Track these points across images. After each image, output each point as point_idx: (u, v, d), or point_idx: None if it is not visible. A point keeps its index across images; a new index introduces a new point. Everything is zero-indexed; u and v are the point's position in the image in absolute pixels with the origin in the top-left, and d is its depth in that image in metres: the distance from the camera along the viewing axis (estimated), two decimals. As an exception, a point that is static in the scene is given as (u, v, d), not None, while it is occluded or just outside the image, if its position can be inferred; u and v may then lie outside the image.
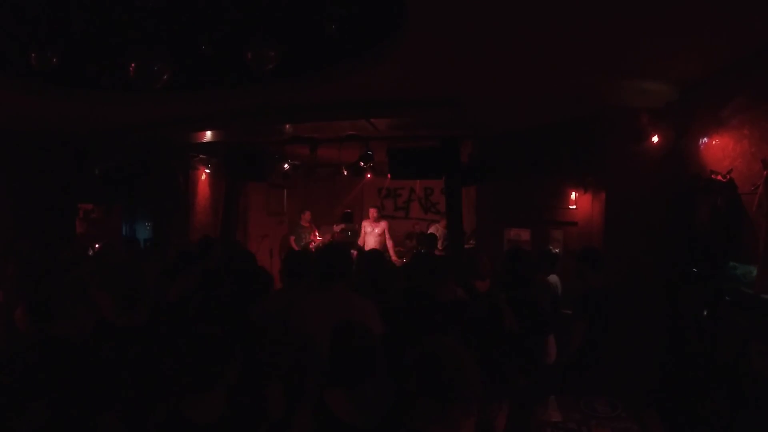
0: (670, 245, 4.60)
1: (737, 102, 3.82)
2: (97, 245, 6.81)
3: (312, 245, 8.86)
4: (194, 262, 4.34)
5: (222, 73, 4.37)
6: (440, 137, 6.92)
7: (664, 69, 4.09)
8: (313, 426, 2.10)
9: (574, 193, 6.47)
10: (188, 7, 3.64)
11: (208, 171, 8.89)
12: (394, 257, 8.57)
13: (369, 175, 9.17)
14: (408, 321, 3.30)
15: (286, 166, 8.82)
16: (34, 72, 3.56)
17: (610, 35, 3.41)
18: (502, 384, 3.06)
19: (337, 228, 9.53)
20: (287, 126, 6.54)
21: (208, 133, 7.07)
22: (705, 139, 4.25)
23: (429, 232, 9.35)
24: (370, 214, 9.08)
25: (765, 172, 3.40)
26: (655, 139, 4.80)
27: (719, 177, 3.92)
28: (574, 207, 6.48)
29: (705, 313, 3.97)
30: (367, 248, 8.63)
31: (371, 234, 8.87)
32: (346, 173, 9.11)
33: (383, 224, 8.95)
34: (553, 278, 5.04)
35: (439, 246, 8.58)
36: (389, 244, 8.76)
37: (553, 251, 5.62)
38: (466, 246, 7.70)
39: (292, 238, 9.26)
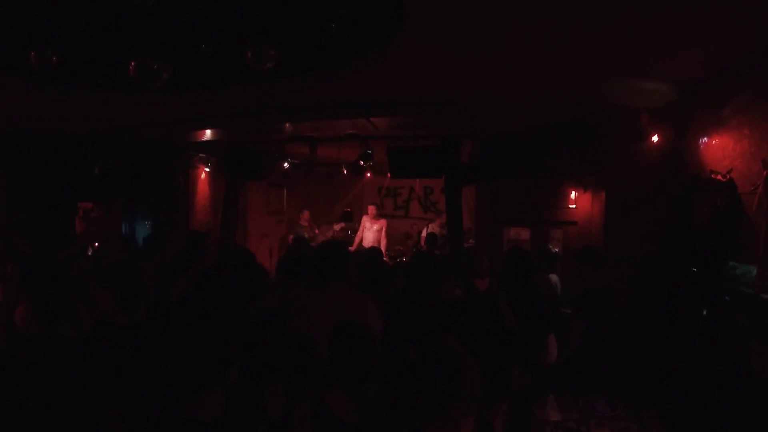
0: (670, 245, 4.60)
1: (737, 102, 3.82)
2: (96, 244, 6.82)
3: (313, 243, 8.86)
4: (194, 261, 4.33)
5: (222, 72, 4.36)
6: (440, 136, 6.92)
7: (664, 68, 4.09)
8: (313, 426, 2.10)
9: (573, 193, 6.48)
10: (188, 5, 3.64)
11: (207, 170, 8.89)
12: (385, 257, 8.60)
13: (369, 174, 9.18)
14: (408, 320, 3.30)
15: (285, 165, 8.81)
16: (33, 71, 3.56)
17: (610, 35, 3.40)
18: (502, 383, 3.06)
19: (336, 227, 9.54)
20: (287, 125, 6.54)
21: (208, 132, 7.07)
22: (705, 139, 4.25)
23: (428, 232, 9.34)
24: (370, 211, 9.13)
25: (765, 172, 3.40)
26: (655, 138, 4.80)
27: (719, 177, 3.92)
28: (574, 206, 6.49)
29: (704, 312, 3.98)
30: (364, 244, 8.68)
31: (370, 230, 8.91)
32: (345, 172, 9.12)
33: (382, 222, 9.00)
34: (553, 278, 5.04)
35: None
36: (383, 242, 8.79)
37: (553, 250, 5.62)
38: (465, 245, 7.70)
39: (291, 237, 9.26)
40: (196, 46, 3.81)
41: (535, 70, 4.22)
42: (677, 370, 4.11)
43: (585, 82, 4.48)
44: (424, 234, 8.81)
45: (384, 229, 8.98)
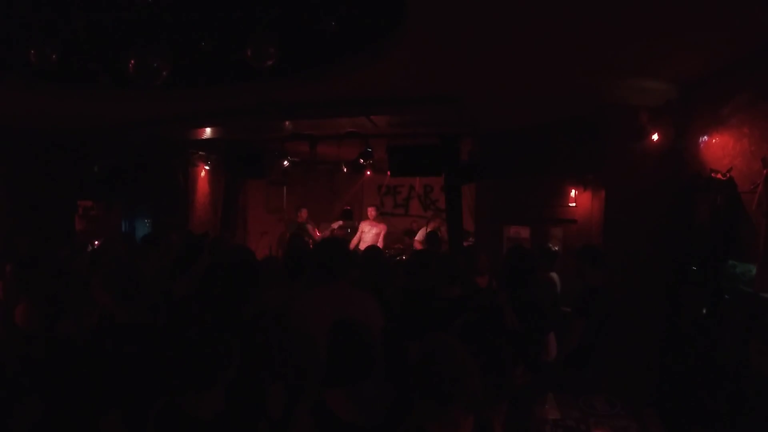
0: (670, 243, 4.60)
1: (737, 100, 3.82)
2: (96, 242, 6.82)
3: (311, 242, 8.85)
4: (195, 260, 4.32)
5: (221, 70, 4.36)
6: (440, 135, 6.92)
7: (664, 67, 4.08)
8: (313, 425, 2.10)
9: (573, 191, 6.48)
10: (188, 3, 3.63)
11: (207, 168, 8.88)
12: None
13: (368, 173, 9.16)
14: (408, 318, 3.30)
15: (285, 163, 8.81)
16: (33, 69, 3.55)
17: (610, 33, 3.40)
18: (502, 382, 3.06)
19: (335, 225, 9.53)
20: (287, 123, 6.54)
21: (208, 130, 7.06)
22: (705, 138, 4.25)
23: (429, 230, 9.32)
24: (369, 215, 9.05)
25: (765, 171, 3.40)
26: (655, 137, 4.80)
27: (719, 175, 3.92)
28: (574, 205, 6.49)
29: (704, 311, 3.98)
30: (361, 247, 8.63)
31: (369, 233, 8.85)
32: (345, 170, 9.11)
33: (381, 226, 8.91)
34: (553, 276, 5.04)
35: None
36: (380, 245, 8.76)
37: (553, 249, 5.63)
38: (465, 243, 7.70)
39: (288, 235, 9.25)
40: (196, 43, 3.81)
41: (536, 69, 4.21)
42: (677, 368, 4.12)
43: (585, 81, 4.48)
44: (418, 237, 8.75)
45: (383, 233, 8.89)
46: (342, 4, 3.54)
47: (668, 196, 4.70)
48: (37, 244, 5.46)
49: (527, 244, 6.48)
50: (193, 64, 4.06)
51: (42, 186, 6.73)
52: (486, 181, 7.35)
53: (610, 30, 3.35)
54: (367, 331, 2.26)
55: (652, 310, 4.53)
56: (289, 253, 3.91)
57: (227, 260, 3.81)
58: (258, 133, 7.47)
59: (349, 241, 8.78)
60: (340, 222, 9.63)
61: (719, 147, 4.07)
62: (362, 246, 8.66)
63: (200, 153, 8.40)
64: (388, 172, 8.00)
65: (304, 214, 9.24)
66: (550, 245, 6.02)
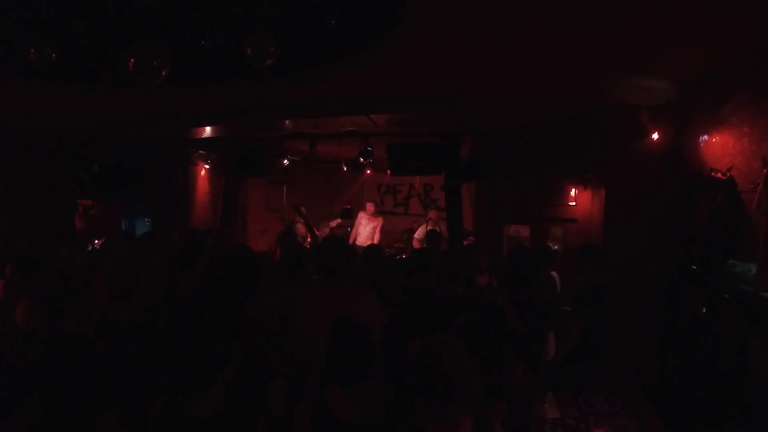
0: (670, 243, 4.60)
1: (737, 100, 3.82)
2: (96, 241, 6.82)
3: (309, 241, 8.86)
4: (197, 259, 4.32)
5: (221, 69, 4.35)
6: (440, 133, 6.92)
7: (665, 66, 4.08)
8: (313, 424, 2.10)
9: (573, 190, 6.48)
10: (187, 2, 3.63)
11: (207, 167, 8.88)
12: None
13: (368, 171, 9.16)
14: (409, 317, 3.30)
15: (285, 162, 8.80)
16: (33, 68, 3.55)
17: (611, 32, 3.40)
18: (502, 382, 3.07)
19: (333, 223, 9.52)
20: (287, 122, 6.54)
21: (208, 129, 7.06)
22: (705, 137, 4.24)
23: (429, 229, 9.32)
24: (368, 209, 9.12)
25: (765, 170, 3.40)
26: (655, 136, 4.80)
27: (719, 175, 3.92)
28: (574, 204, 6.49)
29: (704, 310, 3.98)
30: (359, 241, 8.68)
31: (365, 227, 8.91)
32: (345, 169, 9.10)
33: (379, 220, 9.02)
34: (553, 275, 5.04)
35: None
36: (376, 239, 8.80)
37: (552, 248, 5.63)
38: (465, 242, 7.70)
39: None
40: (196, 42, 3.80)
41: (536, 68, 4.21)
42: (676, 367, 4.12)
43: (585, 80, 4.48)
44: (417, 235, 8.76)
45: (379, 227, 8.98)
46: (342, 3, 3.54)
47: (668, 195, 4.70)
48: (37, 244, 5.46)
49: (527, 243, 6.49)
50: (193, 62, 4.05)
51: (42, 185, 6.73)
52: (486, 179, 7.35)
53: (611, 29, 3.34)
54: (366, 330, 2.26)
55: (652, 310, 4.52)
56: (288, 251, 3.91)
57: (228, 259, 3.81)
58: (258, 132, 7.47)
59: (346, 238, 8.81)
60: (339, 220, 9.63)
61: (719, 146, 4.07)
62: (359, 240, 8.71)
63: (200, 152, 8.40)
64: (388, 171, 8.00)
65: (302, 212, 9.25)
66: (550, 244, 6.02)
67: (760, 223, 3.43)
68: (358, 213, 9.48)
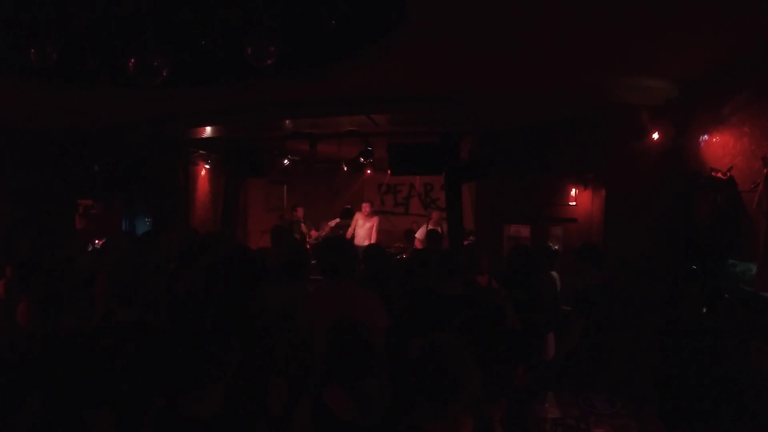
0: (670, 242, 4.60)
1: (738, 99, 3.81)
2: (97, 241, 6.82)
3: (309, 240, 8.87)
4: (197, 258, 4.33)
5: (222, 69, 4.35)
6: (440, 133, 6.92)
7: (665, 66, 4.08)
8: (312, 423, 2.10)
9: (574, 190, 6.49)
10: (188, 2, 3.63)
11: (207, 167, 8.88)
12: None
13: (369, 171, 9.17)
14: (409, 317, 3.30)
15: (285, 162, 8.81)
16: (33, 68, 3.55)
17: (611, 32, 3.40)
18: (502, 382, 3.07)
19: (332, 223, 9.53)
20: (287, 122, 6.54)
21: (208, 129, 7.06)
22: (705, 137, 4.24)
23: (429, 229, 9.32)
24: (364, 209, 9.17)
25: (765, 170, 3.40)
26: (656, 136, 4.80)
27: (719, 174, 3.92)
28: (574, 204, 6.50)
29: (704, 310, 3.98)
30: (356, 241, 8.70)
31: (362, 227, 8.95)
32: (345, 169, 9.11)
33: (374, 220, 9.06)
34: (553, 275, 5.05)
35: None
36: (373, 239, 8.83)
37: (553, 248, 5.63)
38: (465, 242, 7.70)
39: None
40: (197, 42, 3.80)
41: (536, 68, 4.21)
42: (677, 367, 4.12)
43: (585, 80, 4.48)
44: (418, 235, 8.77)
45: (375, 226, 9.03)
46: (342, 2, 3.53)
47: (668, 195, 4.70)
48: (37, 244, 5.47)
49: (527, 243, 6.49)
50: (193, 62, 4.05)
51: (42, 185, 6.73)
52: (486, 179, 7.35)
53: (611, 29, 3.34)
54: (365, 329, 2.26)
55: (652, 309, 4.52)
56: (289, 251, 3.91)
57: (231, 258, 3.82)
58: (258, 132, 7.48)
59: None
60: (337, 220, 9.63)
61: (719, 146, 4.07)
62: (356, 240, 8.73)
63: (200, 151, 8.40)
64: (389, 171, 8.00)
65: (300, 212, 9.26)
66: (551, 244, 6.02)
67: (760, 223, 3.43)
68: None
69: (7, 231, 6.19)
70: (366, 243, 8.37)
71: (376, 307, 3.02)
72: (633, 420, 2.92)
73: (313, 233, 9.16)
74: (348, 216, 10.20)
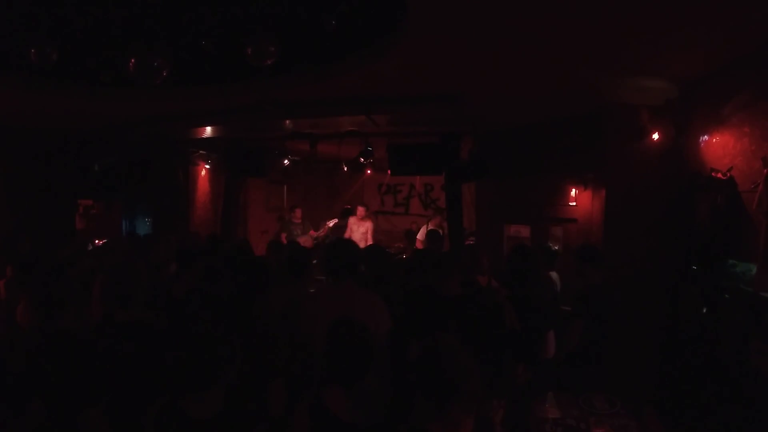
0: (670, 243, 4.60)
1: (738, 100, 3.81)
2: (97, 241, 6.83)
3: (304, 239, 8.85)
4: (199, 258, 4.33)
5: (222, 69, 4.36)
6: (440, 133, 6.92)
7: (665, 66, 4.08)
8: (311, 424, 2.10)
9: (574, 190, 6.47)
10: (188, 2, 3.63)
11: (207, 166, 8.88)
12: None
13: (369, 171, 9.16)
14: (410, 317, 3.30)
15: (286, 162, 8.80)
16: (34, 68, 3.55)
17: (611, 32, 3.40)
18: (502, 381, 3.07)
19: (330, 223, 9.53)
20: (287, 122, 6.54)
21: (208, 129, 7.06)
22: (705, 137, 4.24)
23: (429, 229, 9.32)
24: (358, 213, 9.12)
25: (765, 170, 3.40)
26: (656, 136, 4.80)
27: (719, 175, 3.92)
28: (574, 204, 6.48)
29: (704, 310, 3.98)
30: None
31: (357, 232, 8.92)
32: (346, 169, 9.11)
33: (368, 224, 9.02)
34: (553, 275, 5.04)
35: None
36: (369, 241, 8.82)
37: (553, 248, 5.63)
38: (465, 242, 7.70)
39: (284, 235, 9.23)
40: (197, 42, 3.81)
41: (536, 68, 4.21)
42: (677, 367, 4.12)
43: (585, 80, 4.48)
44: (419, 236, 8.77)
45: (370, 230, 8.98)
46: (342, 2, 3.54)
47: (668, 195, 4.70)
48: (37, 244, 5.47)
49: (527, 243, 6.48)
50: (193, 62, 4.06)
51: (42, 185, 6.73)
52: (486, 180, 7.35)
53: (611, 29, 3.34)
54: (365, 330, 2.26)
55: (652, 309, 4.53)
56: (290, 252, 3.92)
57: (233, 258, 3.82)
58: (258, 132, 7.48)
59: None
60: (335, 220, 9.61)
61: (719, 146, 4.07)
62: None
63: (201, 151, 8.41)
64: (389, 171, 8.00)
65: (298, 213, 9.22)
66: (551, 244, 6.01)
67: (760, 223, 3.44)
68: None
69: (7, 231, 6.19)
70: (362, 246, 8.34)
71: (378, 309, 3.01)
72: (633, 420, 2.92)
73: (312, 233, 9.14)
74: (347, 216, 10.19)
